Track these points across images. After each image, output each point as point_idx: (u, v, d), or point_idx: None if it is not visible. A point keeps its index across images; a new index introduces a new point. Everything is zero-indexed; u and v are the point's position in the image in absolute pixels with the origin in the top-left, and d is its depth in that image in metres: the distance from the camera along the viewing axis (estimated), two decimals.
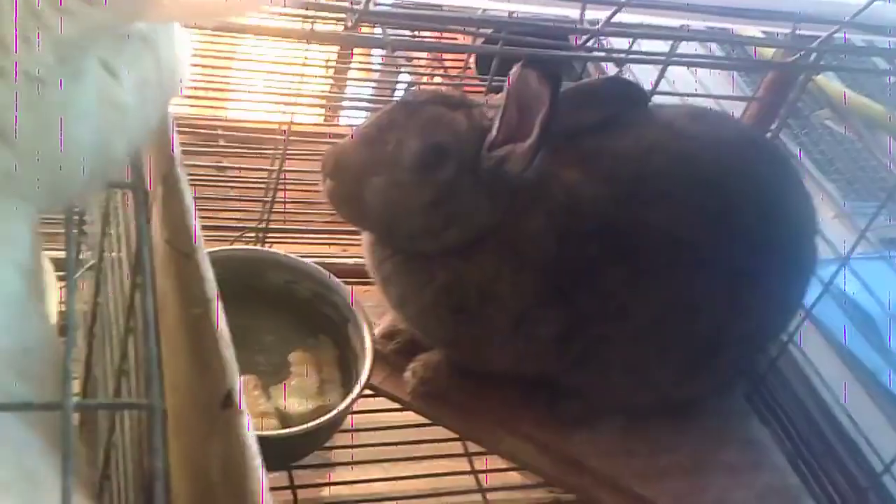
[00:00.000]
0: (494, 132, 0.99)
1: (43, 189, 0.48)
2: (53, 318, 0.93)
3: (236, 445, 0.50)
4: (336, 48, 1.81)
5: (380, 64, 1.99)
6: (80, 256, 1.12)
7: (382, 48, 1.84)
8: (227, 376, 0.53)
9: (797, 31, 1.02)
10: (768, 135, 1.33)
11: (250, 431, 0.50)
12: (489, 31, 1.20)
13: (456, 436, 1.19)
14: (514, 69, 0.96)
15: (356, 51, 1.92)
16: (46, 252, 1.00)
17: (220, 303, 0.57)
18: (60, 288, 1.08)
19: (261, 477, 0.47)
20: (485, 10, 1.01)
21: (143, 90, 0.49)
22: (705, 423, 1.19)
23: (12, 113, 0.43)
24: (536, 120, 0.95)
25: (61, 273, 1.08)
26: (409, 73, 1.89)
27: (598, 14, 0.95)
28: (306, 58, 1.43)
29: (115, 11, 0.43)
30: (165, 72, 0.51)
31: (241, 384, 0.52)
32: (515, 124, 0.98)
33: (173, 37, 0.52)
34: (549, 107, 0.94)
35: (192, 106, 1.53)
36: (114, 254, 0.82)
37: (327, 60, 1.75)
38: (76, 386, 1.00)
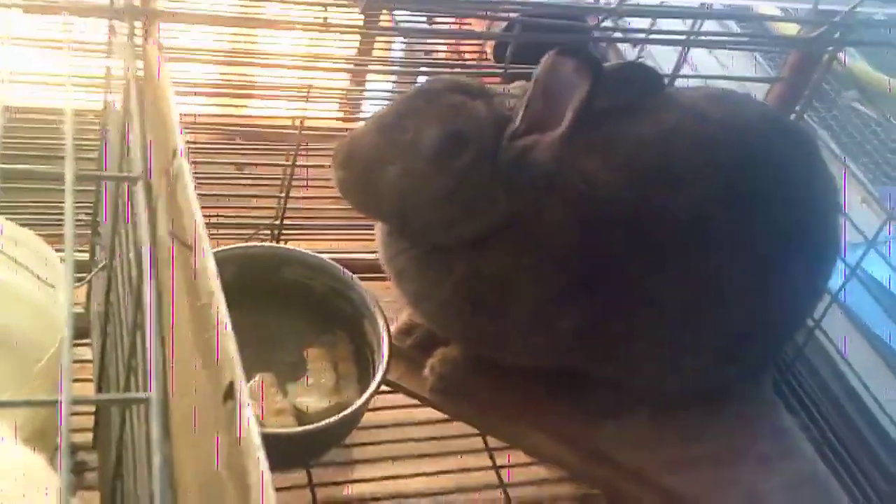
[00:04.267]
0: (518, 121, 0.97)
1: None
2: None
3: (237, 438, 0.49)
4: (356, 43, 1.80)
5: (399, 59, 1.97)
6: (95, 257, 1.11)
7: (395, 36, 1.82)
8: (228, 368, 0.52)
9: (819, 6, 0.99)
10: (792, 117, 1.30)
11: (252, 424, 0.48)
12: (504, 16, 1.17)
13: (476, 431, 1.17)
14: (546, 57, 0.94)
15: (376, 45, 1.91)
16: (59, 253, 1.00)
17: (223, 295, 0.55)
18: (76, 288, 1.08)
19: (262, 470, 0.46)
20: None
21: None
22: (734, 410, 1.16)
23: None
24: (569, 108, 0.93)
25: (81, 274, 1.08)
26: (428, 66, 1.87)
27: None
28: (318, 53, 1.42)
29: None
30: None
31: (244, 376, 0.51)
32: (540, 114, 0.95)
33: None
34: (588, 95, 0.92)
35: (208, 105, 1.52)
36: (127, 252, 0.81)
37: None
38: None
